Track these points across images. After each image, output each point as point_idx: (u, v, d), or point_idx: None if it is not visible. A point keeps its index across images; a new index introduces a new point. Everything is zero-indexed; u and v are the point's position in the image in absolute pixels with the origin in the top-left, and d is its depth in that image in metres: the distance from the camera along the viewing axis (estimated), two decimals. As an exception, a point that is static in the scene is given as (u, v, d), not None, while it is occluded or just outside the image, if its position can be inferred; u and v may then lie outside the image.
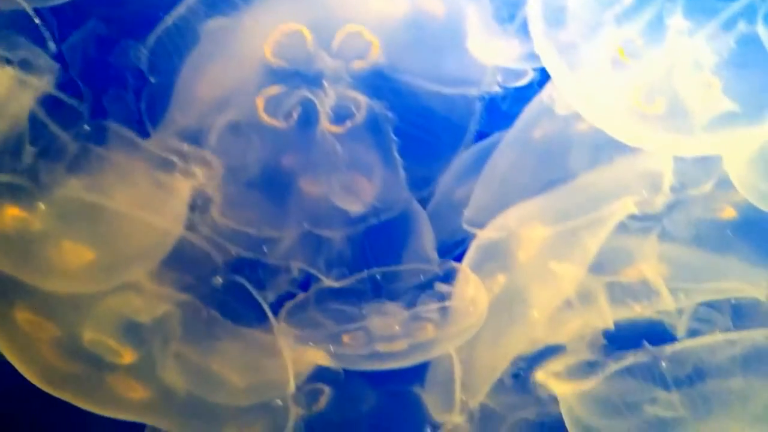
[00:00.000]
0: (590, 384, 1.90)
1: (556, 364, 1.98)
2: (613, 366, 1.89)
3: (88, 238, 1.72)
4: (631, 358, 1.88)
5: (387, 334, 2.02)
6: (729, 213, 2.00)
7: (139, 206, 1.72)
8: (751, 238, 1.97)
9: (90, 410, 1.89)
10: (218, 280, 1.85)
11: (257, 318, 1.95)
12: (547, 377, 1.96)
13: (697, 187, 1.89)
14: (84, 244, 1.71)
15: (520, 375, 2.19)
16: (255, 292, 1.93)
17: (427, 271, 2.05)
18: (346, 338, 2.04)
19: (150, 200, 1.74)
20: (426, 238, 2.15)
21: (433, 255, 2.12)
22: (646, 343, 1.90)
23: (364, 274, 2.06)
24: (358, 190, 2.00)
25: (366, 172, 1.99)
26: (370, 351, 2.02)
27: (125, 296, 1.80)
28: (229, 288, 1.95)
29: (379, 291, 2.07)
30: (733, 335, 1.87)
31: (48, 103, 1.76)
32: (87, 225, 1.71)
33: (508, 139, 2.09)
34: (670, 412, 1.87)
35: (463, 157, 2.12)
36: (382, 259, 2.10)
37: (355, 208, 1.99)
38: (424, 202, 2.12)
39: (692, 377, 1.88)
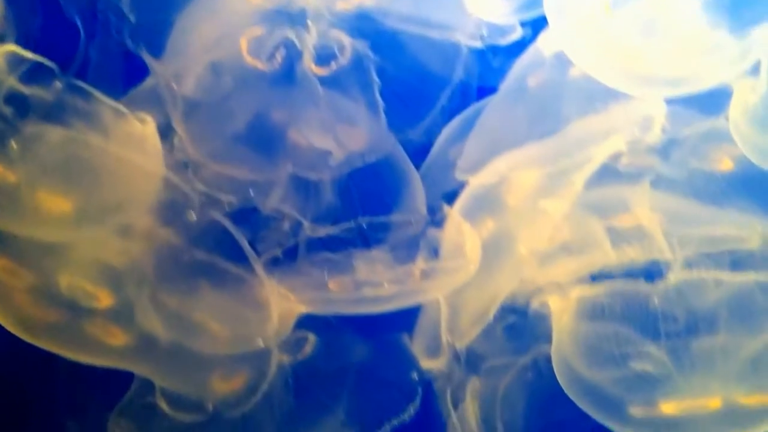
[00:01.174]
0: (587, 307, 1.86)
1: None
2: (609, 292, 1.84)
3: (65, 188, 1.68)
4: (627, 286, 1.83)
5: (374, 280, 1.98)
6: (726, 165, 1.94)
7: (114, 156, 1.67)
8: (748, 190, 1.92)
9: (72, 358, 1.86)
10: (192, 215, 1.79)
11: (242, 266, 1.91)
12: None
13: (690, 129, 1.82)
14: (60, 194, 1.67)
15: (514, 326, 2.15)
16: (239, 237, 1.88)
17: (417, 219, 2.01)
18: (332, 285, 2.01)
19: (124, 150, 1.69)
20: (416, 191, 2.11)
21: (423, 208, 2.08)
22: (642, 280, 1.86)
23: (352, 223, 2.01)
24: (342, 135, 1.95)
25: (350, 117, 1.94)
26: (357, 296, 1.98)
27: (102, 241, 1.76)
28: (213, 235, 1.91)
29: (367, 240, 2.03)
30: (723, 275, 1.83)
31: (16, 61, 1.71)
32: (63, 175, 1.68)
33: (502, 88, 2.07)
34: (656, 368, 1.83)
35: (457, 119, 2.11)
36: (371, 211, 2.06)
37: (338, 152, 1.93)
38: (407, 146, 2.07)
39: (681, 331, 1.84)
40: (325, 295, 2.01)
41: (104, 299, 1.75)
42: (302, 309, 2.03)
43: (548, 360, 2.01)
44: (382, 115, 1.96)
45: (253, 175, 1.99)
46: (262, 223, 2.08)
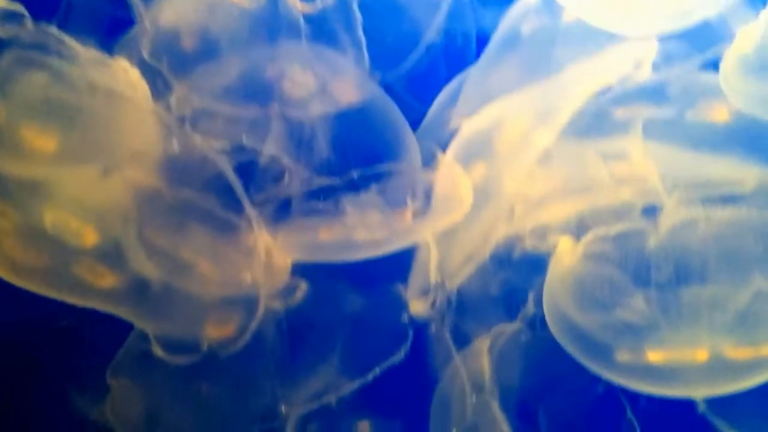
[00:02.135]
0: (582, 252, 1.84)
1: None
2: (603, 236, 1.83)
3: (49, 126, 1.67)
4: (621, 232, 1.81)
5: (365, 225, 1.97)
6: (722, 116, 1.91)
7: (99, 96, 1.66)
8: (743, 140, 1.89)
9: (63, 300, 1.86)
10: (174, 145, 1.78)
11: (234, 209, 1.90)
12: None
13: (683, 67, 1.79)
14: (45, 132, 1.66)
15: (509, 283, 2.14)
16: (232, 180, 1.87)
17: (409, 167, 1.99)
18: (324, 233, 2.00)
19: (108, 90, 1.68)
20: (408, 141, 2.10)
21: (416, 157, 2.06)
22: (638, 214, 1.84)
23: (347, 175, 2.00)
24: (326, 76, 1.93)
25: (335, 63, 1.92)
26: (348, 242, 1.97)
27: (88, 179, 1.75)
28: (207, 178, 1.90)
29: (359, 188, 2.01)
30: (716, 218, 1.80)
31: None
32: (46, 114, 1.67)
33: (496, 36, 2.04)
34: (645, 317, 1.81)
35: (455, 81, 2.11)
36: (364, 163, 2.05)
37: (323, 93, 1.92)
38: (389, 88, 2.07)
39: (671, 280, 1.81)
40: (316, 242, 1.99)
41: (90, 237, 1.74)
42: (295, 258, 2.02)
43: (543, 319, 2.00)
44: (365, 54, 1.93)
45: (243, 112, 1.97)
46: (257, 175, 2.06)
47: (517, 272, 2.12)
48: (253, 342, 2.00)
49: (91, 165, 1.74)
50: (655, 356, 1.81)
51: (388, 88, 2.13)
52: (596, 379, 2.02)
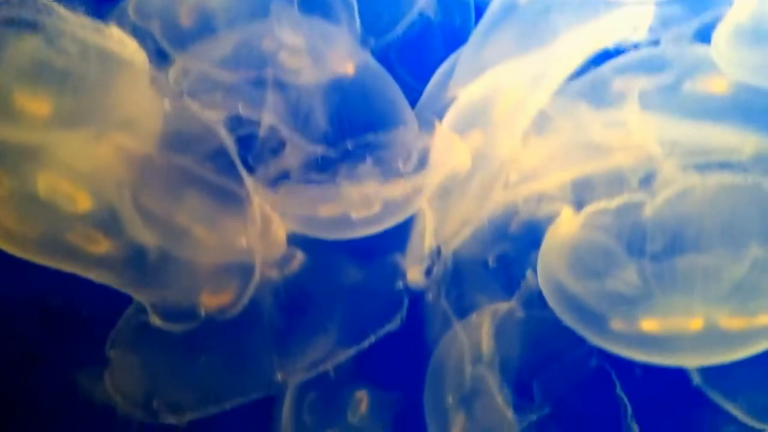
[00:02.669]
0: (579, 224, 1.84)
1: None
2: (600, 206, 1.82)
3: (43, 90, 1.65)
4: (618, 200, 1.80)
5: (362, 200, 1.96)
6: (720, 87, 1.89)
7: (95, 63, 1.65)
8: (741, 111, 1.86)
9: (58, 268, 1.85)
10: (166, 105, 1.77)
11: (231, 177, 1.89)
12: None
13: (681, 30, 1.78)
14: (40, 97, 1.65)
15: (506, 257, 2.13)
16: (230, 148, 1.86)
17: (405, 133, 1.98)
18: (323, 210, 1.99)
19: (104, 57, 1.67)
20: (404, 111, 2.08)
21: (413, 125, 2.05)
22: (636, 182, 1.83)
23: (344, 146, 1.98)
24: (318, 41, 1.92)
25: (330, 36, 1.91)
26: (346, 219, 1.96)
27: (82, 144, 1.74)
28: (205, 146, 1.89)
29: (357, 160, 2.00)
30: (711, 179, 1.78)
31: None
32: (40, 78, 1.66)
33: (493, 5, 2.03)
34: (639, 286, 1.80)
35: (453, 57, 2.10)
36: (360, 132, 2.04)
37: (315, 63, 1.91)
38: (379, 54, 2.08)
39: (667, 249, 1.80)
40: (315, 217, 1.99)
41: (83, 202, 1.73)
42: (291, 229, 2.01)
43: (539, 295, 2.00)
44: (358, 21, 1.93)
45: (240, 83, 1.96)
46: (256, 146, 2.05)
47: (514, 245, 2.11)
48: (250, 311, 2.00)
49: (85, 130, 1.72)
50: (649, 325, 1.80)
51: (387, 68, 2.12)
52: (590, 354, 2.02)
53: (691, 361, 1.86)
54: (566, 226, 1.86)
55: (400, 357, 2.17)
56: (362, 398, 2.15)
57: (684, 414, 2.15)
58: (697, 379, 1.95)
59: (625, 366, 2.09)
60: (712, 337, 1.80)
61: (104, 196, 1.75)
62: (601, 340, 1.84)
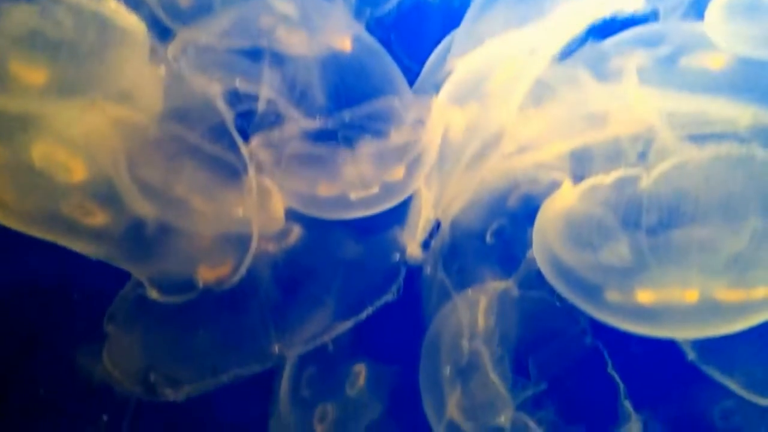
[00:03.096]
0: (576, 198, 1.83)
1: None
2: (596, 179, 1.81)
3: (40, 60, 1.64)
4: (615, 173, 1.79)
5: (361, 181, 1.95)
6: (717, 63, 1.88)
7: (92, 33, 1.64)
8: (738, 81, 1.85)
9: (54, 241, 1.84)
10: (161, 69, 1.76)
11: (228, 147, 1.88)
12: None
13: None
14: (36, 66, 1.63)
15: (503, 231, 2.12)
16: (228, 119, 1.85)
17: (401, 104, 1.98)
18: (322, 189, 1.99)
19: (101, 27, 1.65)
20: (401, 86, 2.07)
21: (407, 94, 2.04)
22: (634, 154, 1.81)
23: (341, 117, 1.97)
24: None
25: (326, 12, 1.91)
26: (344, 200, 1.96)
27: (77, 113, 1.72)
28: (203, 118, 1.88)
29: (355, 136, 1.99)
30: (709, 151, 1.76)
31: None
32: (38, 48, 1.64)
33: None
34: (635, 257, 1.79)
35: (450, 36, 2.11)
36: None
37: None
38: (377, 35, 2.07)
39: (663, 220, 1.79)
40: (313, 196, 1.98)
41: (78, 171, 1.71)
42: (289, 205, 2.01)
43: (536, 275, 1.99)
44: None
45: (238, 58, 1.94)
46: (254, 121, 2.04)
47: (512, 220, 2.10)
48: (247, 284, 2.00)
49: (80, 99, 1.71)
50: (644, 296, 1.79)
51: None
52: (585, 333, 2.01)
53: (687, 333, 1.85)
54: (563, 198, 1.85)
55: (399, 331, 2.17)
56: (360, 371, 2.15)
57: (680, 390, 2.15)
58: (692, 355, 1.95)
59: (620, 343, 2.09)
60: (708, 309, 1.79)
61: (100, 166, 1.73)
62: (597, 311, 1.84)
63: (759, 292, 1.79)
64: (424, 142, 1.95)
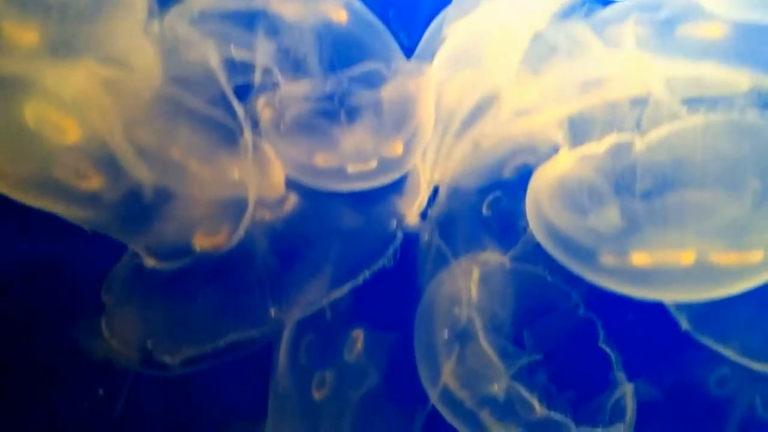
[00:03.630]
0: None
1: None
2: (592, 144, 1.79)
3: (33, 20, 1.62)
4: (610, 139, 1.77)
5: (359, 154, 1.94)
6: (715, 32, 1.87)
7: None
8: (736, 48, 1.84)
9: (50, 210, 1.83)
10: (154, 25, 1.74)
11: (225, 110, 1.88)
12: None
13: None
14: (28, 26, 1.62)
15: (500, 202, 2.12)
16: (225, 84, 1.84)
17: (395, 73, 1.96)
18: (319, 159, 1.98)
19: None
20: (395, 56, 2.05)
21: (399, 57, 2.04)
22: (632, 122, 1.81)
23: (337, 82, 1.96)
24: None
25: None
26: (340, 172, 1.95)
27: (71, 74, 1.71)
28: (200, 82, 1.87)
29: (350, 99, 1.98)
30: (707, 115, 1.76)
31: None
32: (31, 7, 1.62)
33: None
34: (630, 220, 1.78)
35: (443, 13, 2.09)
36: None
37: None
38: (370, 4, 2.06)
39: (660, 183, 1.77)
40: (311, 165, 1.97)
41: (71, 131, 1.70)
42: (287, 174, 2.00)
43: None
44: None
45: (234, 28, 1.93)
46: (251, 91, 2.03)
47: (509, 192, 2.09)
48: (243, 251, 1.99)
49: (74, 60, 1.69)
50: (639, 258, 1.79)
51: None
52: (578, 305, 2.01)
53: (682, 296, 1.85)
54: (556, 164, 1.84)
55: (397, 299, 2.16)
56: (358, 336, 2.15)
57: (676, 358, 2.14)
58: (685, 325, 1.94)
59: (615, 313, 2.08)
60: (704, 271, 1.78)
61: (94, 127, 1.72)
62: (593, 275, 1.83)
63: (755, 256, 1.78)
64: (421, 114, 1.94)
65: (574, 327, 2.11)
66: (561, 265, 1.98)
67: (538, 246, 1.95)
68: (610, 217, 1.76)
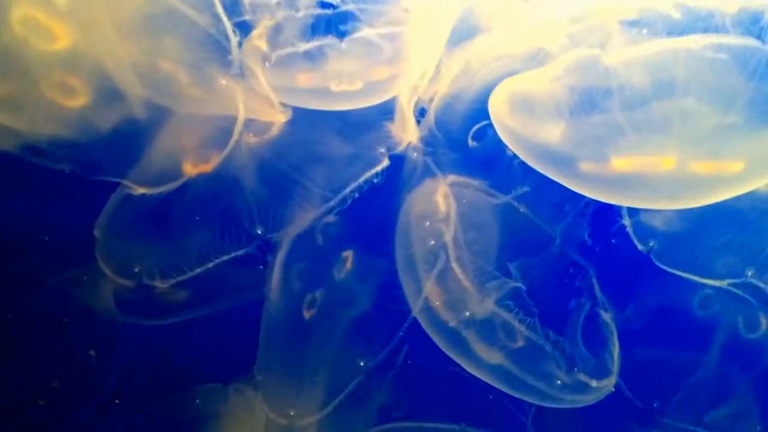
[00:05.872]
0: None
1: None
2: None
3: None
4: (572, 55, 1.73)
5: (343, 75, 1.91)
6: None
7: None
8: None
9: (30, 132, 1.79)
10: None
11: (215, 25, 1.83)
12: None
13: None
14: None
15: (485, 133, 2.09)
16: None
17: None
18: (301, 78, 1.94)
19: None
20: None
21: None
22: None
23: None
24: None
25: None
26: (324, 91, 1.91)
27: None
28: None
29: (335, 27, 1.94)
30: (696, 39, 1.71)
31: None
32: None
33: None
34: (610, 126, 1.75)
35: None
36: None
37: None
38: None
39: (642, 92, 1.74)
40: (293, 86, 1.94)
41: (60, 36, 1.63)
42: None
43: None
44: None
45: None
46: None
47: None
48: (231, 175, 1.97)
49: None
50: (619, 164, 1.76)
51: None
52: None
53: (661, 204, 1.81)
54: (521, 78, 1.80)
55: (387, 221, 2.13)
56: (348, 256, 2.12)
57: (660, 281, 2.12)
58: (641, 248, 1.92)
59: (599, 236, 2.06)
60: (682, 178, 1.75)
61: (83, 34, 1.66)
62: (571, 182, 1.79)
63: (735, 166, 1.75)
64: (407, 37, 1.90)
65: (553, 258, 2.08)
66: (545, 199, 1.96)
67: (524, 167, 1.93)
68: (554, 132, 1.73)
